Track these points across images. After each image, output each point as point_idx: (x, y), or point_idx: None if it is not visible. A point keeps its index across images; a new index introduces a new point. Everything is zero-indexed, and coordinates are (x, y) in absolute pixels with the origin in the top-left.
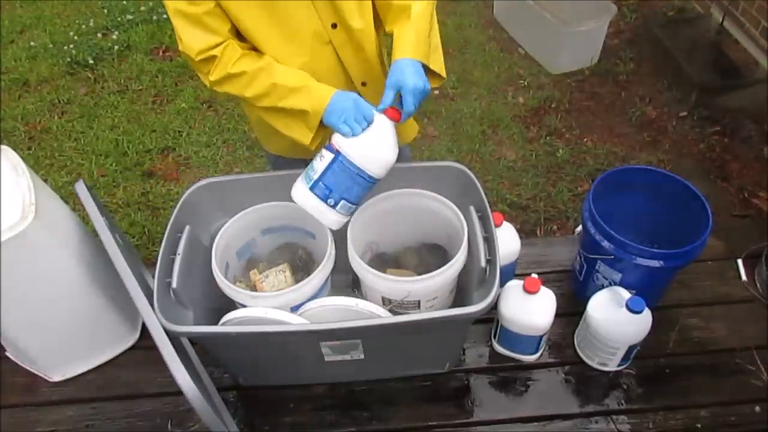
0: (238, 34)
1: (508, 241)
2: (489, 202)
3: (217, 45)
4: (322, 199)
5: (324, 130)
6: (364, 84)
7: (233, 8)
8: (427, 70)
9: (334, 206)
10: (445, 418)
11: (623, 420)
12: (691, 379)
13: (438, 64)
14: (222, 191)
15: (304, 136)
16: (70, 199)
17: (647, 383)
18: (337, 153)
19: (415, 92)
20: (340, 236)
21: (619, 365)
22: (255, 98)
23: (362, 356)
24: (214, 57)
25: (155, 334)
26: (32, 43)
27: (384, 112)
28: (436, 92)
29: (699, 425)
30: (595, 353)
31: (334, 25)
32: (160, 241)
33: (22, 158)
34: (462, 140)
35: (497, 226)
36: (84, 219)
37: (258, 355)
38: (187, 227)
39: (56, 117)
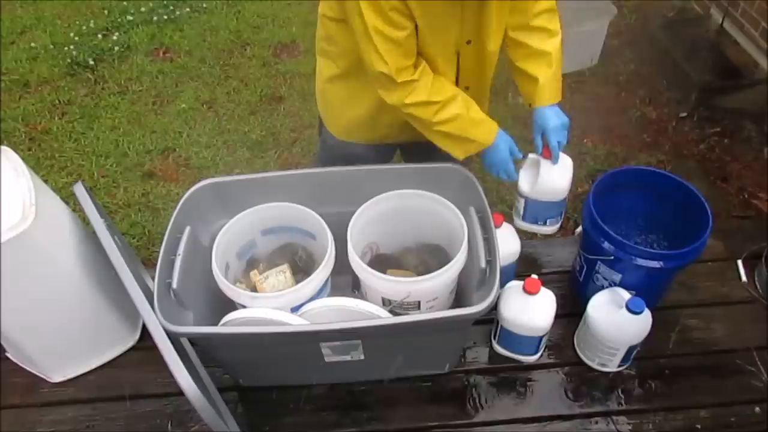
0: None
1: (508, 241)
2: (489, 203)
3: (415, 67)
4: (535, 223)
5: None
6: (467, 88)
7: (421, 29)
8: None
9: (545, 224)
10: (445, 419)
11: (623, 421)
12: (691, 379)
13: (559, 91)
14: (222, 192)
15: (459, 155)
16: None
17: (647, 384)
18: (526, 198)
19: (556, 131)
20: (340, 237)
21: (619, 366)
22: (438, 123)
23: (362, 357)
24: (413, 81)
25: (156, 334)
26: (33, 44)
27: (541, 155)
28: None
29: (699, 426)
30: (595, 354)
31: (468, 42)
32: (161, 242)
33: (23, 159)
34: None
35: (497, 226)
36: (84, 220)
37: (258, 355)
38: (188, 228)
39: (56, 118)
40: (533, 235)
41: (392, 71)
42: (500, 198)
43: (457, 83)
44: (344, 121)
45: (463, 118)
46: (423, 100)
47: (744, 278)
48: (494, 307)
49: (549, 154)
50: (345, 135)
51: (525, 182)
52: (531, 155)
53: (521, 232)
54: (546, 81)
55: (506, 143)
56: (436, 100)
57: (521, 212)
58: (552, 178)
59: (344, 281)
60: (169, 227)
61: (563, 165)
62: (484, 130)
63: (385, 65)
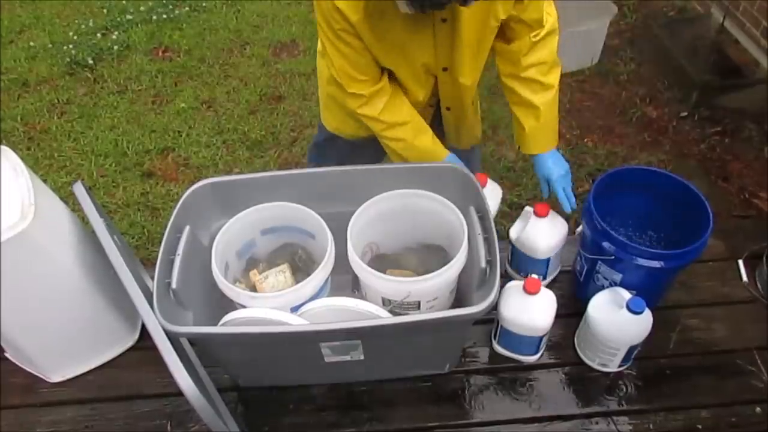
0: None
1: (557, 228)
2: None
3: (368, 84)
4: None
5: None
6: (448, 109)
7: (375, 51)
8: None
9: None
10: (445, 419)
11: (624, 421)
12: (691, 379)
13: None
14: (222, 191)
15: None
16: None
17: (648, 384)
18: (512, 245)
19: (560, 180)
20: (340, 237)
21: (619, 366)
22: (385, 138)
23: (362, 357)
24: (362, 95)
25: (155, 334)
26: (31, 43)
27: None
28: None
29: (700, 426)
30: (596, 354)
31: (444, 69)
32: (160, 242)
33: (22, 158)
34: None
35: (544, 215)
36: (83, 219)
37: (258, 355)
38: (187, 227)
39: (56, 117)
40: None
41: (341, 79)
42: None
43: (439, 103)
44: (339, 116)
45: (408, 144)
46: (372, 116)
47: (745, 278)
48: (494, 307)
49: (543, 211)
50: (336, 129)
51: (514, 230)
52: (527, 208)
53: None
54: (532, 132)
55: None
56: (385, 120)
57: (508, 258)
58: (536, 235)
59: (344, 281)
60: (168, 227)
61: (554, 225)
62: (427, 159)
63: (335, 71)
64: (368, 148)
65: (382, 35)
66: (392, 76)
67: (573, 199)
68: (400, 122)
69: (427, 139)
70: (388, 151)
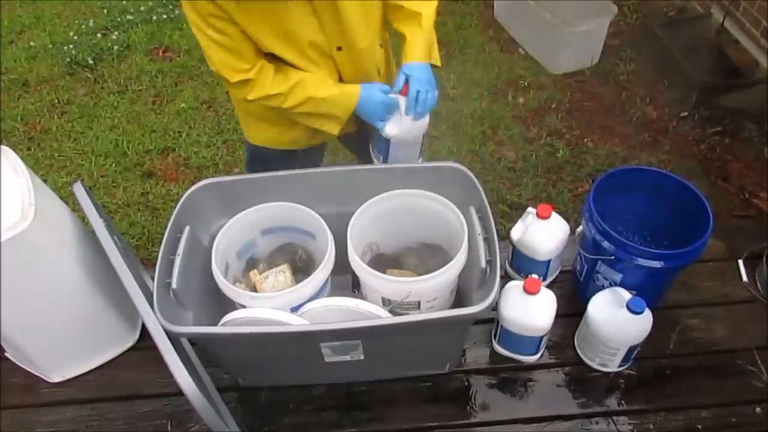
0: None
1: (557, 231)
2: (489, 203)
3: (251, 68)
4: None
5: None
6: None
7: (254, 34)
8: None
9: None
10: (446, 419)
11: (624, 421)
12: (691, 379)
13: (436, 57)
14: (222, 192)
15: (333, 129)
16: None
17: (648, 384)
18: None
19: (420, 81)
20: (340, 237)
21: (619, 366)
22: (293, 107)
23: (362, 357)
24: (249, 80)
25: (155, 334)
26: (32, 44)
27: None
28: (436, 92)
29: (700, 426)
30: (596, 354)
31: (339, 48)
32: (160, 242)
33: (22, 158)
34: (462, 140)
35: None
36: (83, 219)
37: (258, 355)
38: (187, 228)
39: (56, 117)
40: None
41: (223, 72)
42: (500, 198)
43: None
44: (261, 127)
45: (315, 100)
46: (265, 95)
47: (745, 278)
48: (494, 307)
49: (545, 213)
50: (262, 141)
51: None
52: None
53: None
54: (413, 38)
55: (377, 99)
56: (279, 92)
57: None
58: (538, 236)
59: (344, 281)
60: (168, 227)
61: (555, 227)
62: (342, 103)
63: (215, 66)
64: (297, 157)
65: (256, 15)
66: (287, 65)
67: (425, 107)
68: (295, 82)
69: (330, 86)
70: (304, 120)
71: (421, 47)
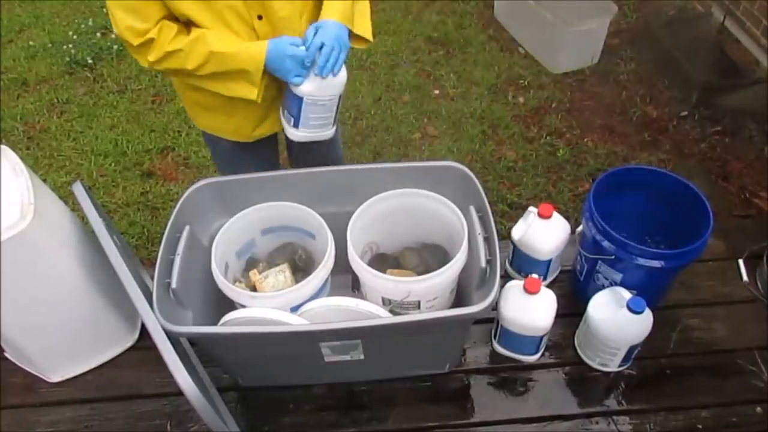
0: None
1: (557, 231)
2: (489, 202)
3: (154, 26)
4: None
5: (262, 81)
6: None
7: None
8: (352, 36)
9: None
10: (445, 419)
11: (624, 421)
12: (692, 379)
13: (363, 28)
14: (222, 191)
15: (249, 92)
16: (69, 199)
17: (648, 384)
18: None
19: (328, 34)
20: (340, 237)
21: (619, 366)
22: (197, 68)
23: (362, 357)
24: (151, 40)
25: (155, 334)
26: (31, 43)
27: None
28: (437, 92)
29: (700, 426)
30: (596, 354)
31: (259, 17)
32: (160, 241)
33: (21, 158)
34: (462, 140)
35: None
36: (83, 219)
37: (257, 355)
38: (187, 227)
39: (55, 117)
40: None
41: (126, 35)
42: (500, 197)
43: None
44: (208, 115)
45: (217, 55)
46: (164, 53)
47: (745, 278)
48: (494, 306)
49: (546, 212)
50: (208, 127)
51: (517, 231)
52: (530, 208)
53: None
54: (331, 2)
55: (285, 52)
56: (178, 47)
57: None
58: (539, 236)
59: (344, 281)
60: (168, 226)
61: (557, 227)
62: (248, 57)
63: (118, 29)
64: (248, 150)
65: None
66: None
67: (329, 65)
68: (195, 37)
69: (234, 41)
70: (217, 87)
71: (338, 9)
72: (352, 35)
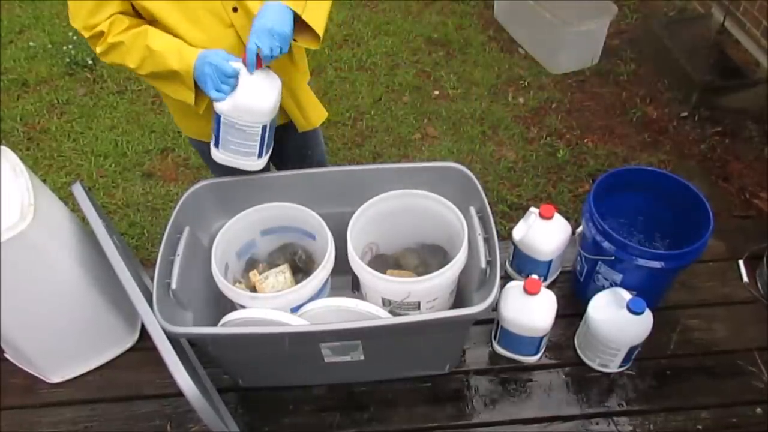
0: (141, 16)
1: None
2: (489, 203)
3: (106, 20)
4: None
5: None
6: (268, 66)
7: None
8: (304, 27)
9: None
10: (445, 420)
11: (624, 421)
12: (692, 380)
13: (315, 20)
14: (221, 192)
15: (187, 96)
16: (69, 199)
17: (648, 385)
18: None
19: (260, 32)
20: (340, 237)
21: (619, 366)
22: (138, 67)
23: (362, 357)
24: (101, 32)
25: (155, 335)
26: (31, 44)
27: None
28: (437, 93)
29: (700, 426)
30: (596, 354)
31: (235, 9)
32: (160, 242)
33: (21, 159)
34: (462, 140)
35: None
36: (83, 220)
37: (257, 356)
38: (187, 228)
39: (55, 117)
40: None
41: (82, 26)
42: (500, 198)
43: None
44: (193, 121)
45: (151, 52)
46: (108, 44)
47: (745, 278)
48: (494, 307)
49: (547, 213)
50: (190, 133)
51: (518, 231)
52: (531, 209)
53: None
54: None
55: (210, 59)
56: (118, 40)
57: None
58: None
59: (344, 281)
60: (168, 227)
61: (558, 227)
62: (178, 58)
63: (73, 22)
64: None
65: None
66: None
67: (253, 59)
68: (138, 31)
69: (171, 39)
70: (159, 86)
71: None
72: (299, 26)
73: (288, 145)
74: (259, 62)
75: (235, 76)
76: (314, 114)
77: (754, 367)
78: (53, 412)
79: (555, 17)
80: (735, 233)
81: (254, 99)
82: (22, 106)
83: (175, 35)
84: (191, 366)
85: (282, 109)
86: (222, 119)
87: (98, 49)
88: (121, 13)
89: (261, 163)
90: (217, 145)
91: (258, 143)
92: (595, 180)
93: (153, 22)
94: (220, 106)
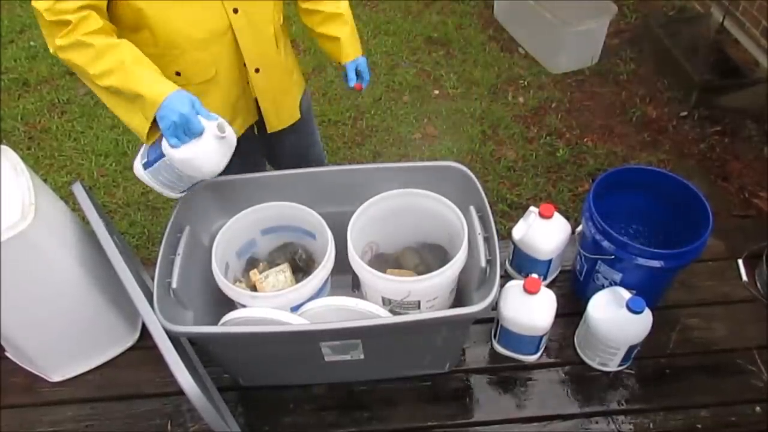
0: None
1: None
2: (489, 202)
3: (77, 10)
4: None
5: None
6: (257, 71)
7: None
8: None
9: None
10: (445, 419)
11: (623, 420)
12: (691, 379)
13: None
14: (222, 191)
15: (141, 126)
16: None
17: (647, 383)
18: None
19: (367, 72)
20: (340, 236)
21: (619, 365)
22: (98, 75)
23: (362, 356)
24: (68, 22)
25: (155, 334)
26: (32, 43)
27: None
28: (437, 92)
29: (699, 425)
30: (596, 353)
31: (235, 10)
32: (160, 241)
33: (22, 158)
34: (462, 140)
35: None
36: (84, 219)
37: (258, 355)
38: (187, 227)
39: (56, 117)
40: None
41: (44, 7)
42: (500, 197)
43: (246, 67)
44: None
45: (128, 68)
46: (76, 40)
47: (744, 277)
48: (494, 306)
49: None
50: None
51: (517, 230)
52: (531, 208)
53: None
54: (346, 38)
55: (185, 104)
56: (91, 41)
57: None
58: (540, 236)
59: (344, 281)
60: (168, 226)
61: (557, 227)
62: (156, 86)
63: (36, 0)
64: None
65: None
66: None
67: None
68: (115, 42)
69: (149, 64)
70: (108, 100)
71: (356, 44)
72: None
73: (284, 144)
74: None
75: (200, 134)
76: (288, 116)
77: (753, 366)
78: (54, 411)
79: (555, 17)
80: (734, 232)
81: (206, 162)
82: (23, 105)
83: (168, 34)
84: (192, 365)
85: (256, 111)
86: (165, 159)
87: (59, 41)
88: (92, 9)
89: (179, 195)
90: (146, 168)
91: (187, 188)
92: (594, 179)
93: (137, 27)
94: (170, 152)
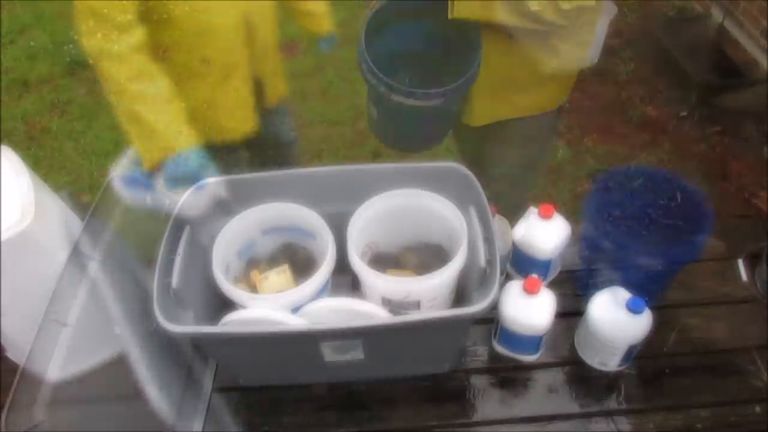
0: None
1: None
2: (489, 202)
3: (132, 18)
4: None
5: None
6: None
7: None
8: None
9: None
10: (445, 419)
11: (623, 420)
12: (691, 379)
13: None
14: (222, 191)
15: (148, 154)
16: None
17: (647, 383)
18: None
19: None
20: (340, 236)
21: (619, 365)
22: (130, 95)
23: (362, 356)
24: (128, 22)
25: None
26: (32, 43)
27: None
28: None
29: (699, 425)
30: (595, 353)
31: None
32: (160, 242)
33: (22, 158)
34: None
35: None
36: (83, 219)
37: (258, 355)
38: (187, 227)
39: (56, 117)
40: None
41: (95, 7)
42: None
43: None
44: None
45: (159, 104)
46: (120, 50)
47: (744, 277)
48: (494, 306)
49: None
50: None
51: (517, 231)
52: (531, 208)
53: None
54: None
55: (201, 158)
56: (136, 61)
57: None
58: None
59: (344, 281)
60: (168, 227)
61: (558, 227)
62: (177, 130)
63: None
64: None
65: None
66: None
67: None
68: (156, 75)
69: (181, 109)
70: (126, 120)
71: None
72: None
73: (260, 137)
74: None
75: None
76: (282, 90)
77: (752, 366)
78: (54, 411)
79: None
80: (734, 232)
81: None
82: (23, 105)
83: (196, 24)
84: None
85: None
86: (153, 193)
87: (93, 37)
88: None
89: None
90: (126, 184)
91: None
92: (594, 179)
93: (163, 21)
94: (163, 192)
